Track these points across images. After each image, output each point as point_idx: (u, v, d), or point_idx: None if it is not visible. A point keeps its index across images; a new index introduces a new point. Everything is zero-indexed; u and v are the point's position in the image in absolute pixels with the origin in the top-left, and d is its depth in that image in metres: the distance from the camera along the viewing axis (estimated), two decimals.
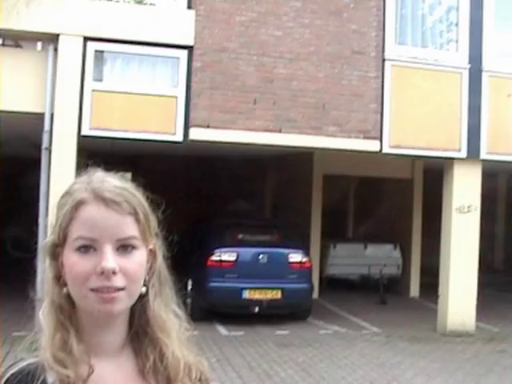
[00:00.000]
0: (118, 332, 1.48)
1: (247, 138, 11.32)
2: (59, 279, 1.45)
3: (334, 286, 16.29)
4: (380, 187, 17.76)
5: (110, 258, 1.39)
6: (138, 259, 1.44)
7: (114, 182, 1.47)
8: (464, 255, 12.39)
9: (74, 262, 1.41)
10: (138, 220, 1.45)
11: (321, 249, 16.15)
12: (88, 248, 1.41)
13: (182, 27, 11.04)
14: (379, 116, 11.90)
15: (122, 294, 1.41)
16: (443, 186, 12.82)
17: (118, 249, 1.42)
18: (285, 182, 17.67)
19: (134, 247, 1.44)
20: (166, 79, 11.26)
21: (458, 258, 12.37)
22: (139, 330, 1.51)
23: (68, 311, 1.44)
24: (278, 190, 18.65)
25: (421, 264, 16.67)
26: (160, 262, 1.53)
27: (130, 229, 1.44)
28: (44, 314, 1.45)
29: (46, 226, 9.85)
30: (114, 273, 1.39)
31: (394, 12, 12.18)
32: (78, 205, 1.43)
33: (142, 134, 10.90)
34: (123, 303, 1.43)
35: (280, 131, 11.40)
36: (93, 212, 1.42)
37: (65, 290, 1.44)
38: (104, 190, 1.43)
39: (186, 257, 12.10)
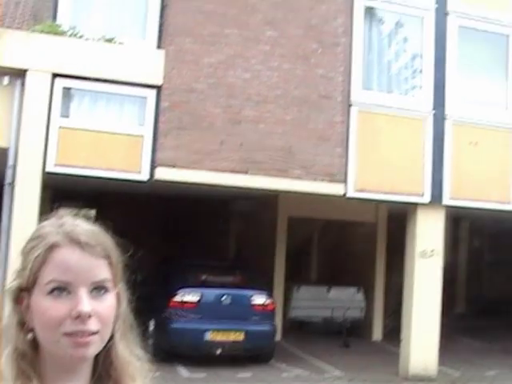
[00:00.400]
0: (82, 376, 1.45)
1: (213, 179, 11.33)
2: (23, 325, 1.42)
3: (298, 328, 16.22)
4: (344, 230, 17.84)
5: (86, 302, 1.38)
6: (110, 302, 1.43)
7: (86, 226, 1.47)
8: (426, 299, 12.45)
9: (47, 306, 1.38)
10: (111, 263, 1.45)
11: (284, 291, 16.11)
12: (61, 291, 1.39)
13: (151, 67, 11.10)
14: (344, 160, 12.02)
15: (95, 337, 1.39)
16: (406, 230, 12.93)
17: (91, 291, 1.40)
18: (249, 223, 17.66)
19: (106, 290, 1.43)
20: (133, 118, 11.27)
21: (420, 302, 12.43)
22: (103, 373, 1.49)
23: (31, 358, 1.41)
24: (243, 231, 18.62)
25: (384, 307, 16.71)
26: (125, 304, 1.52)
27: (104, 272, 1.43)
28: (6, 362, 1.41)
29: (6, 263, 9.71)
30: (89, 316, 1.37)
31: (360, 58, 12.40)
32: (52, 248, 1.41)
33: (108, 173, 10.86)
34: (96, 347, 1.41)
35: (246, 173, 11.44)
36: (67, 255, 1.41)
37: (29, 335, 1.41)
38: (79, 234, 1.43)
39: (148, 297, 11.97)
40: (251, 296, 12.76)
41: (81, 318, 1.37)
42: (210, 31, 11.45)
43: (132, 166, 10.97)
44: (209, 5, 11.51)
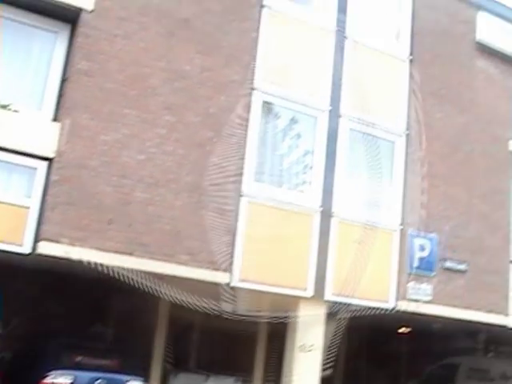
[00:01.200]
0: None
1: (97, 258, 11.06)
2: None
3: None
4: (226, 319, 17.69)
5: None
6: None
7: None
8: None
9: None
10: None
11: (161, 377, 15.73)
12: None
13: (45, 138, 10.93)
14: (231, 249, 12.09)
15: None
16: (288, 323, 12.99)
17: None
18: (130, 305, 17.28)
19: None
20: (20, 188, 10.97)
21: None
22: None
23: None
24: (122, 312, 18.18)
25: None
26: None
27: None
28: None
29: None
30: None
31: (254, 150, 12.69)
32: None
33: None
34: None
35: (131, 254, 11.29)
36: None
37: None
38: None
39: (16, 377, 11.40)
40: (126, 381, 12.37)
41: None
42: (109, 109, 11.45)
43: (14, 237, 10.61)
44: (110, 83, 11.55)
